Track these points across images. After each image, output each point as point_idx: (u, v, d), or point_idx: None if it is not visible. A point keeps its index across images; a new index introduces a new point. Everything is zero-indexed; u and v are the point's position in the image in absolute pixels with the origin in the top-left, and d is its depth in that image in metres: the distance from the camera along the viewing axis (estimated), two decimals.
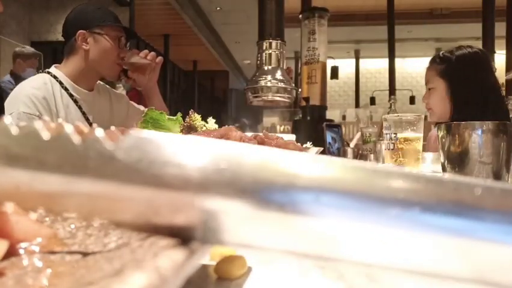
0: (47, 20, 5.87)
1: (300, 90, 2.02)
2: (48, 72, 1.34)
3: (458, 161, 0.65)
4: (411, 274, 0.19)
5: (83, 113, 1.34)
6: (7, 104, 1.26)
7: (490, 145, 0.63)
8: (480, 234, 0.18)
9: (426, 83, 1.53)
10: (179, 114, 0.96)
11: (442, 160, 0.69)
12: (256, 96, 1.58)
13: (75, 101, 1.33)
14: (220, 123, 0.99)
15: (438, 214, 0.18)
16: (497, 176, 0.63)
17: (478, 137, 0.63)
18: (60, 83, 1.32)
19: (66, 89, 1.32)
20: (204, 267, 0.34)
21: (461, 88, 1.42)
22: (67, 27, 1.37)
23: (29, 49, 3.63)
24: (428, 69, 1.51)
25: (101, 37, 1.32)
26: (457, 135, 0.66)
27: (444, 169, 0.69)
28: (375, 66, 11.31)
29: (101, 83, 1.51)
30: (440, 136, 0.69)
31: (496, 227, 0.18)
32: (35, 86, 1.27)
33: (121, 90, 3.85)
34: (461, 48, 1.47)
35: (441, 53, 1.51)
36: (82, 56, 1.34)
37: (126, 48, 1.40)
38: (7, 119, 0.21)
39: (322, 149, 1.07)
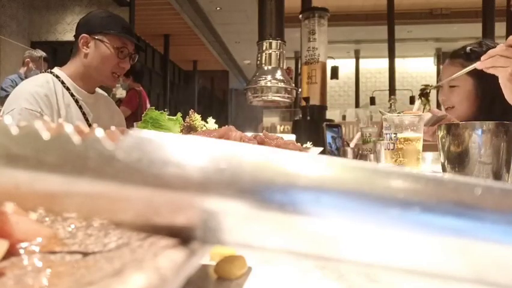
0: (47, 20, 5.87)
1: (300, 90, 2.02)
2: (51, 72, 1.37)
3: (458, 161, 0.65)
4: (411, 274, 0.19)
5: (83, 114, 1.36)
6: (9, 100, 1.28)
7: (490, 145, 0.63)
8: (480, 234, 0.18)
9: (442, 79, 1.43)
10: (179, 114, 0.96)
11: (442, 160, 0.69)
12: (256, 96, 1.58)
13: (76, 101, 1.36)
14: (220, 123, 0.99)
15: (438, 214, 0.18)
16: (497, 176, 0.63)
17: (477, 137, 0.63)
18: (63, 82, 1.35)
19: (68, 89, 1.35)
20: (204, 267, 0.34)
21: (489, 86, 1.30)
22: (76, 28, 1.40)
23: (38, 52, 3.69)
24: (451, 64, 1.41)
25: (102, 44, 1.34)
26: (456, 135, 0.65)
27: (444, 169, 0.69)
28: (375, 66, 11.30)
29: (110, 99, 1.56)
30: (440, 136, 0.69)
31: (496, 227, 0.18)
32: (38, 84, 1.30)
33: (120, 90, 3.85)
34: (481, 45, 1.37)
35: (468, 48, 1.40)
36: (82, 59, 1.36)
37: (132, 59, 1.41)
38: (7, 118, 0.21)
39: (322, 149, 1.07)
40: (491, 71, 0.90)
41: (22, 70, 3.52)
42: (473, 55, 1.36)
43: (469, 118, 1.41)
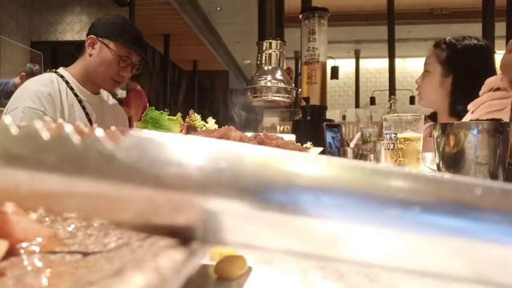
0: (47, 20, 5.86)
1: (300, 90, 2.02)
2: (56, 72, 1.38)
3: (453, 161, 0.65)
4: (411, 274, 0.19)
5: (86, 114, 1.37)
6: (13, 98, 1.30)
7: (486, 145, 0.62)
8: (480, 234, 0.18)
9: (424, 65, 1.49)
10: (179, 114, 0.96)
11: (437, 161, 0.68)
12: (256, 96, 1.58)
13: (79, 101, 1.37)
14: (220, 123, 0.99)
15: (438, 214, 0.18)
16: (493, 176, 0.63)
17: (473, 137, 0.63)
18: (67, 82, 1.36)
19: (72, 89, 1.36)
20: (204, 267, 0.33)
21: (461, 79, 1.37)
22: (89, 29, 1.42)
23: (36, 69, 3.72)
24: (431, 52, 1.47)
25: (106, 48, 1.35)
26: (452, 135, 0.65)
27: (439, 170, 0.68)
28: (375, 66, 11.30)
29: (115, 100, 1.57)
30: (435, 136, 0.69)
31: (496, 227, 0.18)
32: (42, 83, 1.31)
33: (120, 89, 3.85)
34: (467, 38, 1.43)
35: (448, 39, 1.45)
36: (86, 59, 1.38)
37: (136, 69, 1.42)
38: (7, 118, 0.21)
39: (322, 149, 1.07)
40: (491, 117, 0.85)
41: (16, 80, 3.54)
42: (450, 46, 1.41)
43: (436, 107, 1.46)
